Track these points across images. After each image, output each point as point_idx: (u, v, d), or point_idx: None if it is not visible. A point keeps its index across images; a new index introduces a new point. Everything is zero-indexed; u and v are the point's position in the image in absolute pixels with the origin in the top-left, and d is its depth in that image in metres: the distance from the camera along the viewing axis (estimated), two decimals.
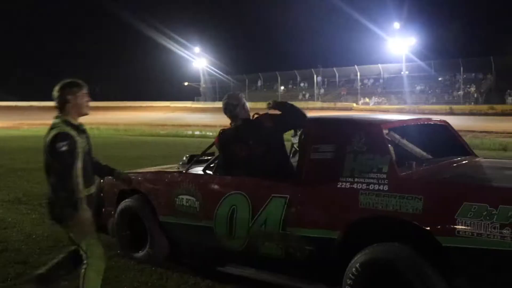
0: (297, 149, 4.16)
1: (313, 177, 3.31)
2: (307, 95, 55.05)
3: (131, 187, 4.22)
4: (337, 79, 55.62)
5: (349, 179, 3.13)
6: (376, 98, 48.19)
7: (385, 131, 3.46)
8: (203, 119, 35.97)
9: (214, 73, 60.35)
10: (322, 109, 46.40)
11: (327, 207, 3.18)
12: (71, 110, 3.01)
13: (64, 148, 2.82)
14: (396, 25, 46.10)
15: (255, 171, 3.52)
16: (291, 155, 4.68)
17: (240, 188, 3.59)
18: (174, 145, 17.76)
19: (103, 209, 4.70)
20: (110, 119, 42.19)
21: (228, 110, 3.73)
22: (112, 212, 4.61)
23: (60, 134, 2.87)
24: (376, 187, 3.01)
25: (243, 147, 3.60)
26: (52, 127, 2.95)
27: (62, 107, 2.97)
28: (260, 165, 3.51)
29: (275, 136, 3.62)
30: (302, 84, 58.38)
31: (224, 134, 3.71)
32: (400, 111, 38.80)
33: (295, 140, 4.33)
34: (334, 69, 55.00)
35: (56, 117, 3.00)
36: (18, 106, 63.58)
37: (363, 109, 44.43)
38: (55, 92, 2.99)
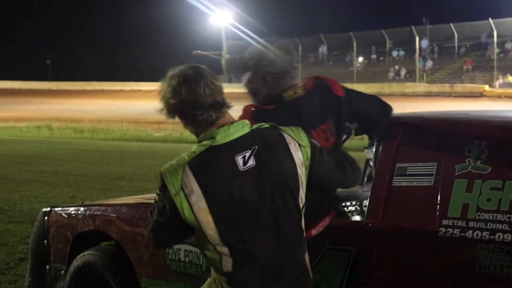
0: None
1: (397, 218, 3.34)
2: (403, 72, 54.87)
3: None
4: (456, 43, 55.12)
5: (460, 223, 3.15)
6: None
7: None
8: None
9: (243, 35, 60.90)
10: (429, 95, 46.18)
11: (420, 268, 3.21)
12: None
13: None
14: None
15: None
16: (366, 180, 4.71)
17: None
18: (175, 157, 18.10)
19: (47, 266, 4.83)
20: (69, 111, 43.19)
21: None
22: (62, 272, 4.72)
23: None
24: (509, 237, 3.02)
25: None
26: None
27: None
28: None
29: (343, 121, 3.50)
30: (395, 53, 58.16)
31: (264, 112, 3.32)
32: None
33: (371, 154, 4.35)
34: (451, 25, 54.50)
35: None
36: None
37: (502, 95, 43.79)
38: None
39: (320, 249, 3.40)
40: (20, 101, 53.06)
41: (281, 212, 2.75)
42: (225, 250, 2.69)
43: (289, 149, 2.78)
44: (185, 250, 4.00)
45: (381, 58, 58.53)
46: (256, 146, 2.72)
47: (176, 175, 2.68)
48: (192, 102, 2.72)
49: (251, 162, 2.70)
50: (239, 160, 2.70)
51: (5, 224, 8.98)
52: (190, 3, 58.42)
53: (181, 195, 2.67)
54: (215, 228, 2.67)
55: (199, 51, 61.70)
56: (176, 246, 4.02)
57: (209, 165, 2.68)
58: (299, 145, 2.82)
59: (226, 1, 59.94)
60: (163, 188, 2.72)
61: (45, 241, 4.84)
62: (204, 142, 2.72)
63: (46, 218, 4.88)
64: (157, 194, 2.77)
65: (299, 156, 2.80)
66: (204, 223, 2.67)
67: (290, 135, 2.82)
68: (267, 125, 2.84)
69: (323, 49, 61.07)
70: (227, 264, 2.71)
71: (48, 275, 4.83)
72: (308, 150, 2.84)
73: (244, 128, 2.76)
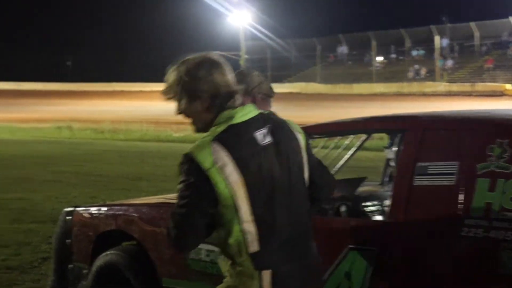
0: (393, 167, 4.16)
1: (419, 218, 3.35)
2: (422, 72, 54.55)
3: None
4: (476, 42, 54.66)
5: (482, 222, 3.15)
6: None
7: None
8: None
9: (263, 36, 60.98)
10: (449, 95, 45.82)
11: (443, 268, 3.22)
12: None
13: None
14: None
15: None
16: (386, 179, 4.71)
17: None
18: None
19: (70, 266, 4.88)
20: (89, 112, 43.46)
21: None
22: (84, 271, 4.76)
23: None
24: None
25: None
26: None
27: None
28: None
29: None
30: (414, 52, 57.92)
31: None
32: None
33: (391, 154, 4.35)
34: (472, 24, 54.08)
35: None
36: None
37: None
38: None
39: None
40: (41, 102, 53.44)
41: (295, 189, 2.78)
42: (252, 228, 2.68)
43: (293, 131, 2.84)
44: (207, 250, 4.02)
45: (401, 58, 58.29)
46: (269, 125, 2.77)
47: (206, 150, 2.66)
48: (227, 88, 2.77)
49: (268, 139, 2.73)
50: (258, 136, 2.73)
51: (28, 224, 9.07)
52: (208, 4, 58.56)
53: (214, 170, 2.63)
54: (247, 202, 2.66)
55: (217, 52, 61.60)
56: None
57: (234, 140, 2.69)
58: (297, 131, 2.87)
59: (244, 1, 60.00)
60: (192, 168, 2.66)
61: (68, 240, 4.88)
62: (222, 124, 2.73)
63: (68, 217, 4.92)
64: (181, 182, 2.69)
65: (301, 139, 2.85)
66: (238, 196, 2.66)
67: (289, 122, 2.89)
68: (267, 112, 2.90)
69: (342, 49, 60.90)
70: (254, 243, 2.68)
71: (71, 274, 4.86)
72: (303, 136, 2.88)
73: (254, 110, 2.80)
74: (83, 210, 4.94)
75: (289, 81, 59.23)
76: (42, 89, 67.72)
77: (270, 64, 61.82)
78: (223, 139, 2.67)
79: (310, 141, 2.98)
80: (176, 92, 2.82)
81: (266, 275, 2.67)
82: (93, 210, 4.88)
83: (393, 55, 58.47)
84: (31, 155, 19.86)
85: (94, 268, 4.62)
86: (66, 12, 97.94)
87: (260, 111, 2.83)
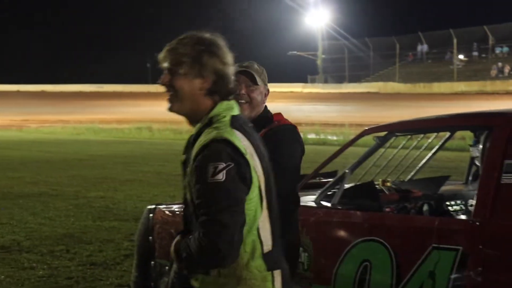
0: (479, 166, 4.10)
1: (507, 217, 3.29)
2: (506, 69, 53.22)
3: None
4: None
5: None
6: None
7: None
8: (322, 112, 36.25)
9: (339, 36, 60.64)
10: None
11: None
12: None
13: None
14: None
15: None
16: (470, 178, 4.64)
17: (376, 232, 3.66)
18: None
19: (153, 262, 4.97)
20: (168, 113, 43.89)
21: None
22: (166, 268, 4.85)
23: None
24: None
25: None
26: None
27: None
28: None
29: None
30: (498, 49, 56.54)
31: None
32: None
33: (477, 152, 4.28)
34: None
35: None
36: (22, 91, 68.64)
37: None
38: None
39: None
40: (122, 103, 54.61)
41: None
42: (267, 224, 2.49)
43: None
44: None
45: (483, 55, 57.04)
46: (251, 124, 2.61)
47: (236, 137, 2.41)
48: (230, 79, 2.56)
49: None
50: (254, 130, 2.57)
51: (111, 221, 9.27)
52: (286, 4, 58.71)
53: (249, 157, 2.40)
54: (265, 195, 2.46)
55: (295, 52, 61.88)
56: None
57: (246, 130, 2.48)
58: None
59: (322, 1, 59.92)
60: (232, 153, 2.36)
61: (150, 237, 4.97)
62: (224, 113, 2.48)
63: (151, 215, 5.01)
64: (218, 172, 2.32)
65: None
66: (262, 188, 2.45)
67: None
68: None
69: (422, 47, 60.03)
70: (268, 242, 2.49)
71: (153, 270, 4.94)
72: None
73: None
74: (164, 207, 5.02)
75: (367, 81, 58.79)
76: (123, 90, 69.30)
77: (347, 64, 61.48)
78: (239, 128, 2.44)
79: None
80: (179, 63, 2.55)
81: (278, 275, 2.52)
82: (175, 208, 4.95)
83: (475, 53, 57.27)
84: (113, 155, 20.31)
85: (175, 265, 4.70)
86: (145, 15, 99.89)
87: None
